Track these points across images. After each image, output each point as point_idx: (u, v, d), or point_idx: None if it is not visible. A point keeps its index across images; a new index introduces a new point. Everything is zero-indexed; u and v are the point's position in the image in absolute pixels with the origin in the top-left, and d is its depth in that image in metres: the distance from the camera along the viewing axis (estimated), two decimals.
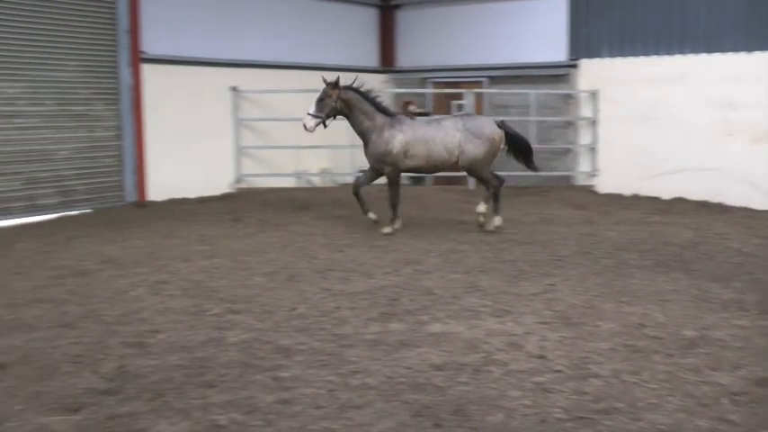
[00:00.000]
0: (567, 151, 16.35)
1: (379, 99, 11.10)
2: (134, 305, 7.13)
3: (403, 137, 10.72)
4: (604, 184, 15.38)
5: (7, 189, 12.27)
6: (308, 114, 10.67)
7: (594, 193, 15.15)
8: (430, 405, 4.85)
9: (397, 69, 18.91)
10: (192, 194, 14.18)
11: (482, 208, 11.06)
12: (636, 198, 14.55)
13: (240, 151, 15.34)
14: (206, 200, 14.02)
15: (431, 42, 18.21)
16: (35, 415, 4.76)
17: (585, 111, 15.95)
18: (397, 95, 17.85)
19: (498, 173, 11.21)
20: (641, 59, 15.05)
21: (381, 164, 10.85)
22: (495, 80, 17.24)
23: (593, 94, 15.67)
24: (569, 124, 16.31)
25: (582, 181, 15.97)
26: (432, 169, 11.29)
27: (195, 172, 14.37)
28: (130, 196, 13.69)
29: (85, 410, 4.79)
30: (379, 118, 10.83)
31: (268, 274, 8.33)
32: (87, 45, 13.35)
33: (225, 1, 15.38)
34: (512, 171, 13.90)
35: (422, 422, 4.63)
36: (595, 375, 5.37)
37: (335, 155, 16.29)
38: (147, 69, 13.88)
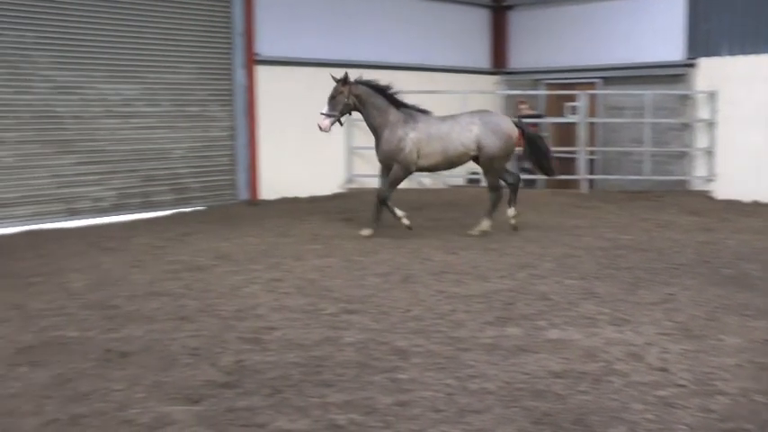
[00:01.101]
0: (683, 155, 15.87)
1: (393, 92, 10.76)
2: (249, 301, 7.18)
3: (416, 135, 10.46)
4: (722, 190, 14.82)
5: (125, 186, 12.64)
6: (322, 114, 10.44)
7: (711, 198, 14.61)
8: (550, 413, 4.68)
9: (508, 71, 18.72)
10: (302, 194, 14.32)
11: (512, 212, 10.81)
12: (756, 205, 13.95)
13: (351, 151, 15.40)
14: (317, 199, 14.13)
15: (543, 43, 17.94)
16: (157, 403, 4.82)
17: (703, 112, 15.43)
18: (509, 97, 17.65)
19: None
20: (764, 57, 14.45)
21: (391, 161, 10.58)
22: (609, 81, 16.87)
23: (712, 95, 15.15)
24: (686, 126, 15.82)
25: (698, 186, 15.45)
26: (448, 166, 10.99)
27: (306, 171, 14.50)
28: (243, 194, 13.93)
29: (205, 402, 4.82)
30: (392, 113, 10.57)
31: (382, 274, 8.27)
32: (203, 48, 13.66)
33: (336, 2, 15.48)
34: (625, 175, 13.59)
35: (542, 430, 4.48)
36: (722, 393, 5.06)
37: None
38: (260, 71, 14.09)
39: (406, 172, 10.64)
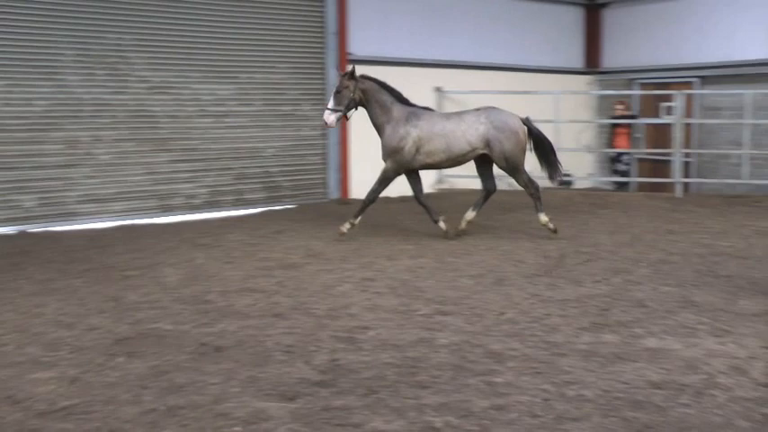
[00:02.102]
0: None
1: (398, 90, 10.54)
2: (342, 300, 7.17)
3: (417, 133, 10.21)
4: None
5: (218, 183, 12.85)
6: (327, 109, 10.16)
7: None
8: (650, 425, 4.51)
9: (602, 70, 18.34)
10: (393, 193, 14.26)
11: (544, 218, 10.46)
12: None
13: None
14: (407, 199, 14.01)
15: (638, 41, 17.52)
16: (252, 398, 4.84)
17: None
18: (602, 98, 17.33)
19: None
20: None
21: (387, 157, 10.38)
22: (707, 80, 16.34)
23: None
24: None
25: None
26: (452, 164, 10.69)
27: None
28: (333, 193, 14.00)
29: (301, 400, 4.81)
30: (396, 110, 10.34)
31: (475, 276, 8.17)
32: (296, 48, 13.79)
33: (429, 1, 15.41)
34: (722, 178, 13.16)
35: None
36: None
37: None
38: None
39: (398, 171, 10.43)
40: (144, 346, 5.94)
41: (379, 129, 10.39)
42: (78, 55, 11.91)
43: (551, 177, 10.81)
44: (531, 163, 10.65)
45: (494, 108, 10.67)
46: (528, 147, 10.52)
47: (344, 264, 8.73)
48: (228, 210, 12.85)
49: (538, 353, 5.74)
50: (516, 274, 8.27)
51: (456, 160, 10.48)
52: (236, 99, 13.17)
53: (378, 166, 13.90)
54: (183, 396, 4.89)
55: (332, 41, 14.02)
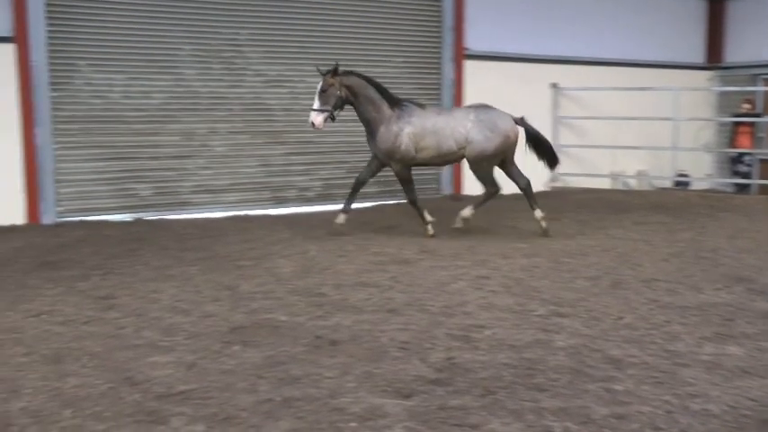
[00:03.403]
0: None
1: (384, 85, 10.21)
2: (457, 298, 7.06)
3: (411, 129, 9.90)
4: None
5: (331, 177, 12.94)
6: (313, 110, 9.82)
7: None
8: None
9: (724, 65, 17.59)
10: (506, 191, 14.07)
11: (539, 213, 10.26)
12: None
13: (557, 149, 15.01)
14: (521, 196, 13.82)
15: (765, 34, 16.74)
16: (367, 394, 4.79)
17: None
18: (723, 94, 16.67)
19: None
20: None
21: (389, 159, 10.07)
22: None
23: None
24: None
25: None
26: (442, 162, 10.45)
27: None
28: (446, 189, 13.91)
29: (417, 397, 4.73)
30: (386, 107, 10.02)
31: (591, 278, 7.93)
32: (413, 42, 13.77)
33: None
34: None
35: None
36: None
37: (654, 156, 15.52)
38: (468, 65, 14.01)
39: (406, 170, 10.17)
40: (259, 335, 5.97)
41: (370, 126, 10.09)
42: (196, 50, 12.23)
43: (552, 167, 10.78)
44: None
45: (486, 106, 10.38)
46: (526, 147, 10.40)
47: (458, 261, 8.61)
48: (340, 203, 12.85)
49: (658, 361, 5.49)
50: (633, 278, 7.98)
51: (445, 158, 10.26)
52: None
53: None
54: (298, 388, 4.88)
55: (448, 36, 13.94)
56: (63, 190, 11.60)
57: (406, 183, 10.21)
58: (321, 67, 9.85)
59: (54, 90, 11.40)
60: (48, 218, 11.45)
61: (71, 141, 11.56)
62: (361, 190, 10.36)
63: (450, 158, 10.32)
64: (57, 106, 11.39)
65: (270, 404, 4.66)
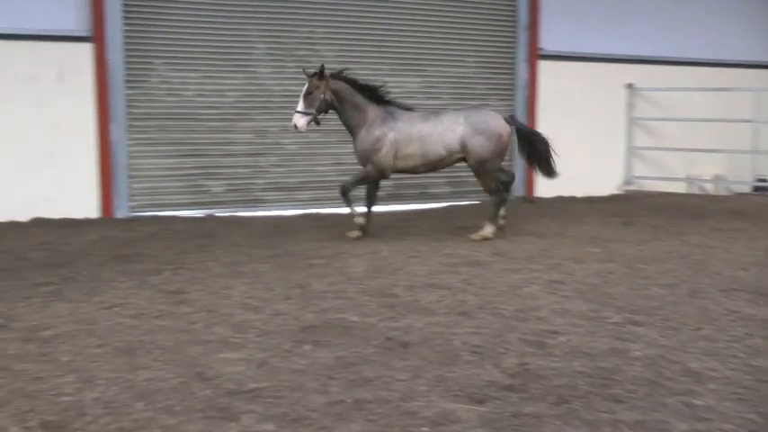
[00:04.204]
0: None
1: (371, 85, 9.85)
2: (530, 302, 6.93)
3: (394, 135, 9.56)
4: None
5: (403, 177, 12.79)
6: (297, 112, 9.47)
7: None
8: None
9: None
10: (578, 193, 13.92)
11: (502, 212, 10.05)
12: None
13: (631, 151, 14.76)
14: (594, 200, 13.67)
15: None
16: (439, 399, 4.70)
17: None
18: None
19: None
20: None
21: (365, 161, 9.73)
22: None
23: None
24: None
25: None
26: (428, 169, 9.98)
27: (584, 170, 14.04)
28: (519, 191, 13.74)
29: (490, 403, 4.64)
30: (371, 111, 9.67)
31: (667, 285, 7.69)
32: (486, 42, 13.66)
33: None
34: None
35: None
36: None
37: (732, 160, 15.09)
38: (542, 65, 13.83)
39: (379, 174, 9.84)
40: (330, 335, 5.94)
41: (353, 131, 9.82)
42: (270, 48, 12.32)
43: (549, 175, 10.25)
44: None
45: (475, 108, 10.10)
46: (519, 147, 10.08)
47: (531, 264, 8.47)
48: (412, 203, 12.85)
49: (741, 377, 5.26)
50: (711, 287, 7.68)
51: (432, 165, 9.88)
52: (423, 92, 13.16)
53: (568, 164, 13.56)
54: (369, 390, 4.83)
55: (523, 36, 13.79)
56: (136, 185, 11.78)
57: (363, 182, 9.96)
58: (308, 69, 9.68)
59: (129, 88, 11.59)
60: (121, 212, 11.65)
61: (145, 138, 11.74)
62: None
63: (439, 165, 9.95)
64: (132, 103, 11.57)
65: (341, 406, 4.61)
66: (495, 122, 9.71)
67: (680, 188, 14.93)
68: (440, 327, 6.14)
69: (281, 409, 4.56)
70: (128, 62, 11.51)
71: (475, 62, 13.61)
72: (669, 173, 14.80)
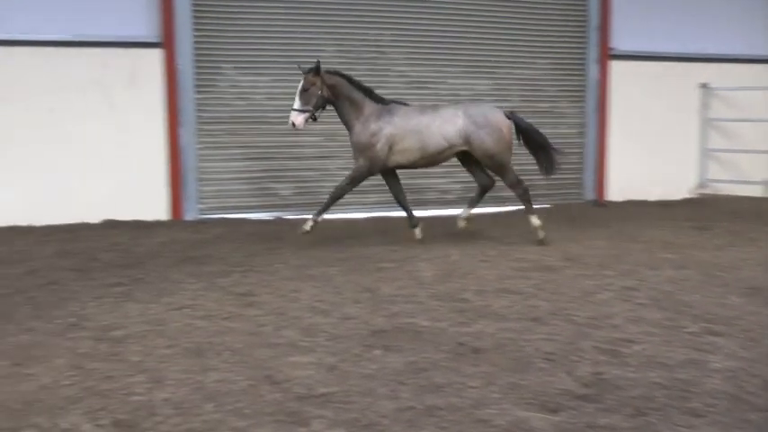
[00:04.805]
0: None
1: (369, 86, 9.69)
2: (603, 309, 6.75)
3: (391, 130, 9.34)
4: None
5: (473, 180, 12.68)
6: (294, 110, 9.29)
7: None
8: None
9: None
10: (651, 197, 13.63)
11: (536, 221, 9.77)
12: None
13: (705, 154, 14.40)
14: (667, 204, 13.36)
15: None
16: (512, 406, 4.60)
17: None
18: None
19: None
20: None
21: (359, 155, 9.50)
22: None
23: None
24: None
25: None
26: (428, 163, 9.73)
27: (656, 173, 13.78)
28: (589, 194, 13.54)
29: (564, 413, 4.51)
30: (368, 106, 9.48)
31: (745, 294, 7.39)
32: (556, 43, 13.47)
33: None
34: None
35: None
36: None
37: None
38: (614, 66, 13.58)
39: (371, 170, 9.64)
40: (400, 340, 5.86)
41: (349, 126, 9.68)
42: (338, 51, 12.32)
43: (548, 172, 10.00)
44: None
45: (474, 102, 9.91)
46: (518, 142, 9.85)
47: (604, 270, 8.27)
48: (482, 206, 12.68)
49: None
50: None
51: (432, 159, 9.69)
52: (493, 95, 13.02)
53: (640, 167, 13.36)
54: (441, 396, 4.74)
55: (593, 36, 13.54)
56: (205, 188, 11.89)
57: (353, 182, 9.70)
58: (303, 65, 9.52)
59: (199, 92, 11.72)
60: (190, 215, 11.79)
61: (214, 141, 11.84)
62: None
63: (439, 159, 9.78)
64: (201, 107, 11.69)
65: (412, 412, 4.54)
66: (495, 116, 9.59)
67: (756, 192, 14.50)
68: (511, 333, 6.03)
69: (351, 415, 4.51)
70: (197, 67, 11.64)
71: (545, 63, 13.43)
72: (745, 176, 14.35)
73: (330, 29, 12.25)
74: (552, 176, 10.27)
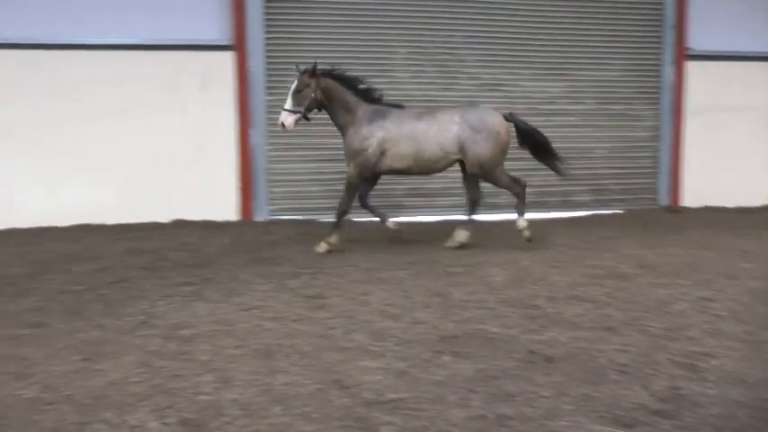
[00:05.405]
0: None
1: (362, 84, 9.44)
2: (679, 320, 6.54)
3: (383, 134, 9.10)
4: None
5: (545, 183, 12.55)
6: (285, 110, 9.09)
7: None
8: None
9: None
10: (727, 203, 13.26)
11: (523, 222, 9.60)
12: None
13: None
14: (744, 210, 12.99)
15: None
16: (585, 419, 4.48)
17: None
18: None
19: None
20: None
21: (350, 161, 9.33)
22: None
23: None
24: None
25: None
26: (423, 170, 9.41)
27: (733, 179, 13.39)
28: (663, 200, 13.24)
29: (639, 429, 4.38)
30: (361, 110, 9.24)
31: None
32: (631, 43, 13.19)
33: None
34: None
35: None
36: None
37: None
38: (690, 67, 13.23)
39: (361, 175, 9.40)
40: (470, 346, 5.78)
41: (342, 129, 9.48)
42: (410, 53, 12.26)
43: (557, 171, 9.82)
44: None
45: (472, 106, 9.69)
46: (520, 144, 9.67)
47: (679, 279, 8.01)
48: (553, 211, 12.56)
49: None
50: None
51: (427, 167, 9.41)
52: (566, 97, 12.84)
53: (717, 172, 12.98)
54: (512, 406, 4.65)
55: (669, 36, 13.21)
56: (275, 189, 11.95)
57: (350, 191, 9.52)
58: (300, 65, 9.37)
59: (269, 94, 11.78)
60: (260, 215, 11.86)
61: (284, 143, 11.88)
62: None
63: (435, 168, 9.52)
64: (272, 109, 11.72)
65: (482, 421, 4.46)
66: (493, 120, 9.36)
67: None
68: (584, 342, 5.89)
69: (420, 422, 4.45)
70: (268, 69, 11.70)
71: (620, 64, 13.15)
72: None
73: (400, 30, 12.20)
74: (562, 173, 10.07)
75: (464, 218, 9.86)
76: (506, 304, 6.94)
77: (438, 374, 5.19)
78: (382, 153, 9.30)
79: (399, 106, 9.65)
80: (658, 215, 12.50)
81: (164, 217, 11.43)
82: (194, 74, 11.58)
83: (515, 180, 9.61)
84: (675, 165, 13.23)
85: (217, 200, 11.67)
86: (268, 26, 11.73)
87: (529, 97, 12.60)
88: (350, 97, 9.37)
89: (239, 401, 4.73)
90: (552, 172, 10.01)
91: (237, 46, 11.55)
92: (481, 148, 9.23)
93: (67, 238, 10.41)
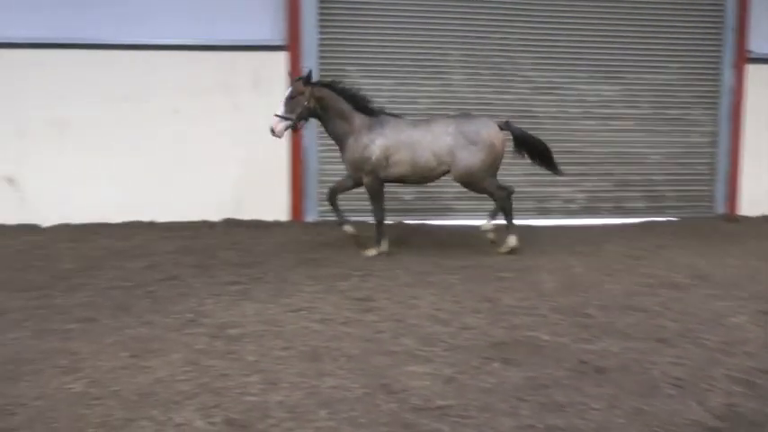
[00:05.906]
0: None
1: (358, 95, 9.28)
2: (736, 334, 6.36)
3: (383, 141, 9.01)
4: None
5: (598, 189, 12.43)
6: (276, 116, 8.89)
7: None
8: None
9: None
10: None
11: (488, 225, 9.39)
12: None
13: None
14: None
15: None
16: None
17: None
18: None
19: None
20: None
21: (359, 172, 9.21)
22: None
23: None
24: None
25: None
26: (418, 179, 9.33)
27: None
28: (719, 208, 12.95)
29: None
30: (358, 119, 9.15)
31: None
32: (689, 45, 12.88)
33: None
34: None
35: None
36: None
37: None
38: (751, 70, 12.90)
39: (378, 181, 9.29)
40: (520, 353, 5.71)
41: (340, 140, 9.33)
42: (464, 55, 12.18)
43: (557, 172, 9.76)
44: None
45: (467, 115, 9.50)
46: (516, 152, 9.55)
47: (736, 290, 7.81)
48: (606, 217, 12.37)
49: None
50: None
51: (423, 175, 9.31)
52: (621, 101, 12.62)
53: None
54: (562, 416, 4.57)
55: (729, 38, 12.91)
56: (326, 190, 11.91)
57: (376, 198, 9.48)
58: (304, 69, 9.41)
59: None
60: (310, 216, 11.86)
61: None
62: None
63: (429, 176, 9.40)
64: None
65: (531, 431, 4.37)
66: (488, 131, 9.24)
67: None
68: (637, 353, 5.77)
69: (468, 430, 4.40)
70: (321, 69, 11.67)
71: (677, 68, 12.87)
72: None
73: (455, 32, 12.11)
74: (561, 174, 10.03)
75: (506, 222, 9.66)
76: (557, 312, 6.84)
77: (487, 381, 5.13)
78: (387, 160, 9.24)
79: (396, 116, 9.61)
80: (714, 224, 12.22)
81: (214, 216, 11.49)
82: (247, 74, 11.61)
83: (501, 187, 9.51)
84: (733, 172, 12.92)
85: (267, 200, 11.70)
86: (322, 27, 11.72)
87: (584, 100, 12.43)
88: (345, 106, 9.28)
89: (285, 404, 4.72)
90: (557, 175, 10.07)
91: (291, 46, 11.56)
92: (473, 160, 9.17)
93: (119, 234, 10.53)
